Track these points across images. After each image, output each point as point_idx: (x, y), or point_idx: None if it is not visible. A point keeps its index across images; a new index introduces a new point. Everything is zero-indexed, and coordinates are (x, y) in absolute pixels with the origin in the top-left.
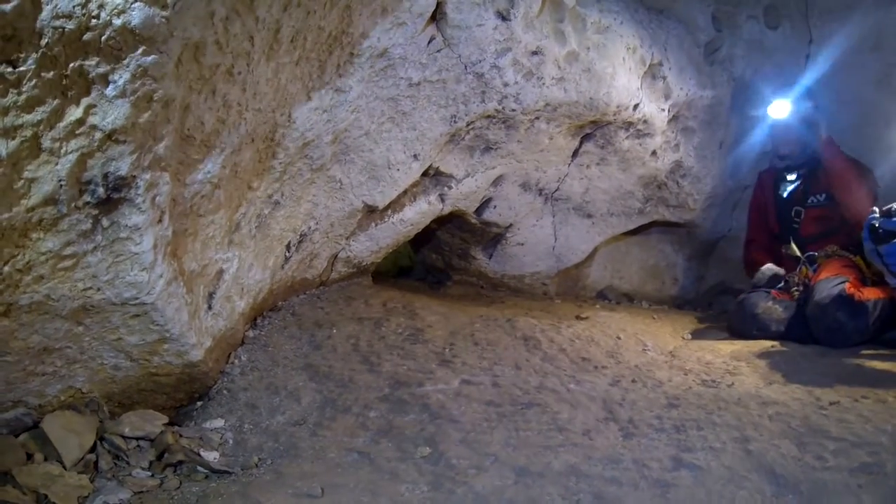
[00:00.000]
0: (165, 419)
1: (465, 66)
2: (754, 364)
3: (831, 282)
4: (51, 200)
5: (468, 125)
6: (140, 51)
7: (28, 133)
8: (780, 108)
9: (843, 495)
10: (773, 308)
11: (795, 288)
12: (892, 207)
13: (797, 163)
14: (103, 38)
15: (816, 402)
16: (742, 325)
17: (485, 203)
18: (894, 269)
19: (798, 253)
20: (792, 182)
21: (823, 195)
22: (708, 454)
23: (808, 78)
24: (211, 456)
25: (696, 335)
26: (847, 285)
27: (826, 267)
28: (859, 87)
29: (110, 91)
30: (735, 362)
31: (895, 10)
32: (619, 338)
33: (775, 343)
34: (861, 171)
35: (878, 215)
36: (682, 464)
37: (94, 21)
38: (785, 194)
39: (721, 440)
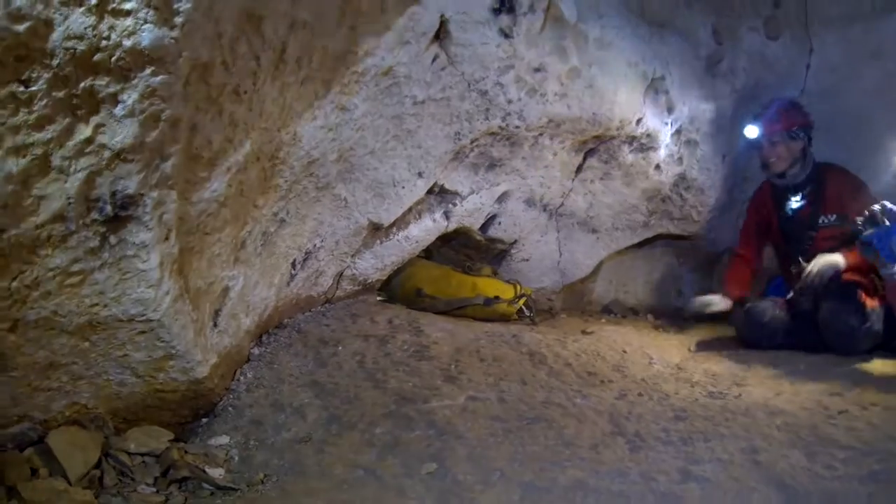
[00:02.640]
0: (171, 435)
1: (469, 84)
2: (762, 374)
3: (843, 288)
4: (59, 218)
5: (472, 142)
6: (149, 71)
7: (38, 151)
8: (751, 131)
9: None
10: (780, 317)
11: (808, 291)
12: (874, 212)
13: (798, 181)
14: (113, 58)
15: (825, 410)
16: (750, 335)
17: (490, 220)
18: (885, 253)
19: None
20: (798, 202)
21: (834, 216)
22: (716, 466)
23: (807, 89)
24: (216, 472)
25: (703, 347)
26: (858, 291)
27: None
28: (860, 95)
29: (119, 110)
30: (742, 373)
31: (895, 18)
32: (624, 351)
33: (783, 352)
34: (864, 188)
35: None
36: (690, 476)
37: (104, 42)
38: (790, 213)
39: (729, 451)
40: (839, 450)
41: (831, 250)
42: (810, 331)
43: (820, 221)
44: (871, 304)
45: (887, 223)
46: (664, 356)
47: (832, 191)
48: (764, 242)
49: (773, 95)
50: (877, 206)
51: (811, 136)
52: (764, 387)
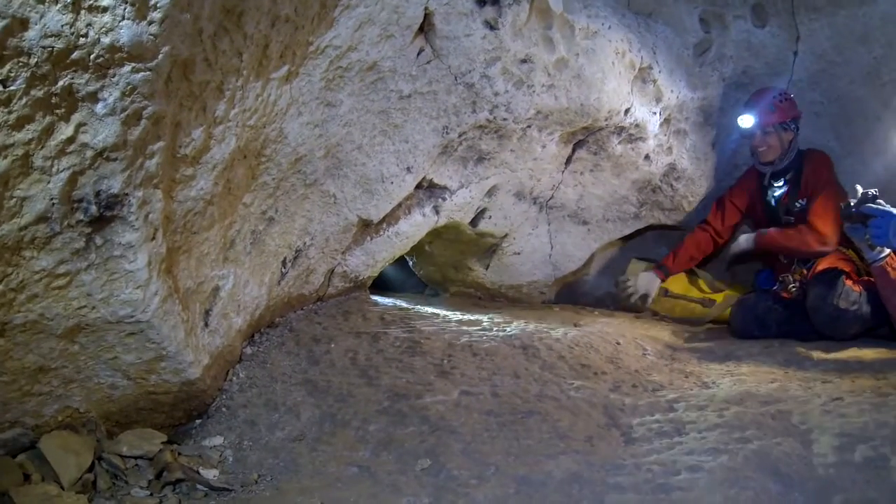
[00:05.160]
0: (164, 438)
1: (455, 77)
2: (755, 363)
3: (829, 273)
4: (43, 219)
5: (460, 136)
6: (129, 68)
7: (19, 152)
8: (746, 121)
9: (848, 491)
10: (773, 308)
11: (793, 285)
12: (868, 193)
13: (781, 167)
14: (92, 56)
15: (818, 398)
16: (743, 326)
17: (480, 214)
18: (876, 240)
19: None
20: (779, 188)
21: (805, 200)
22: (711, 456)
23: (794, 76)
24: (210, 474)
25: (696, 338)
26: (844, 277)
27: (822, 261)
28: (848, 81)
29: (100, 109)
30: (735, 362)
31: (880, 4)
32: (618, 343)
33: (776, 341)
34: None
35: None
36: (685, 466)
37: (82, 39)
38: (773, 201)
39: (724, 441)
40: (833, 437)
41: None
42: (802, 320)
43: (796, 206)
44: (857, 288)
45: (883, 205)
46: (658, 347)
47: (808, 176)
48: (735, 217)
49: (762, 83)
50: (871, 191)
51: (799, 126)
52: (757, 376)
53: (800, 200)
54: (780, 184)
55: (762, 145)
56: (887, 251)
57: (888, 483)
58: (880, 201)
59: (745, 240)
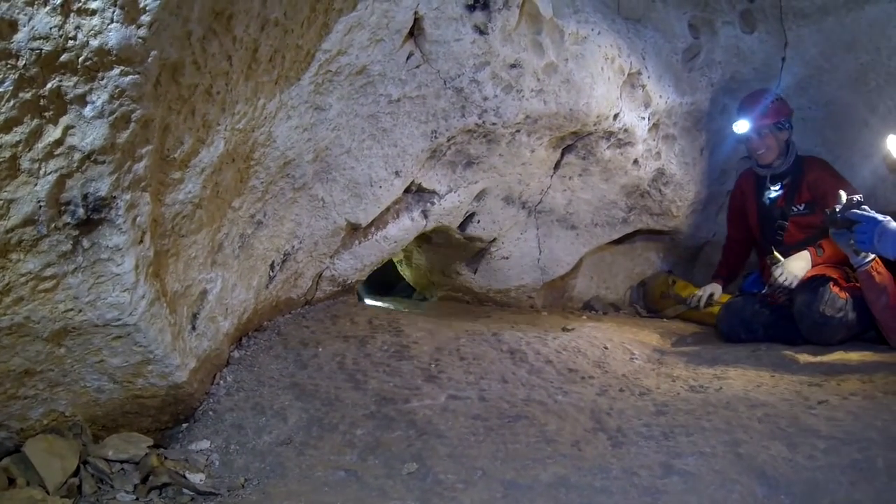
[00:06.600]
0: (150, 441)
1: (445, 81)
2: (742, 367)
3: (816, 281)
4: (30, 221)
5: (449, 140)
6: (117, 71)
7: (7, 154)
8: (742, 126)
9: (835, 493)
10: (760, 311)
11: (780, 291)
12: (852, 199)
13: (780, 171)
14: (80, 58)
15: (805, 401)
16: (730, 329)
17: (468, 218)
18: (861, 245)
19: (782, 260)
20: (775, 191)
21: (803, 205)
22: (698, 459)
23: (782, 81)
24: (197, 478)
25: (684, 342)
26: (831, 284)
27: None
28: (835, 87)
29: (88, 111)
30: (723, 366)
31: (868, 10)
32: (606, 348)
33: (763, 345)
34: (843, 181)
35: (839, 206)
36: (672, 470)
37: (70, 42)
38: (767, 202)
39: (710, 444)
40: (820, 440)
41: (805, 241)
42: (789, 324)
43: (792, 210)
44: (843, 295)
45: (868, 210)
46: (645, 351)
47: (808, 181)
48: (746, 227)
49: (750, 89)
50: (856, 197)
51: (792, 125)
52: (744, 379)
53: (797, 205)
54: (777, 187)
55: (760, 147)
56: (872, 256)
57: (875, 486)
58: (865, 207)
59: (800, 268)
